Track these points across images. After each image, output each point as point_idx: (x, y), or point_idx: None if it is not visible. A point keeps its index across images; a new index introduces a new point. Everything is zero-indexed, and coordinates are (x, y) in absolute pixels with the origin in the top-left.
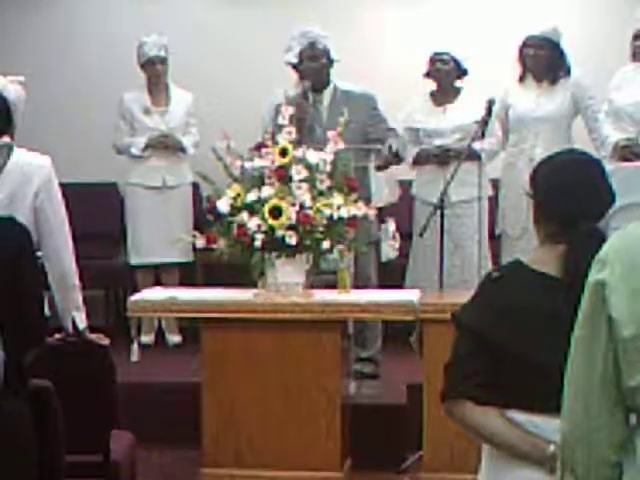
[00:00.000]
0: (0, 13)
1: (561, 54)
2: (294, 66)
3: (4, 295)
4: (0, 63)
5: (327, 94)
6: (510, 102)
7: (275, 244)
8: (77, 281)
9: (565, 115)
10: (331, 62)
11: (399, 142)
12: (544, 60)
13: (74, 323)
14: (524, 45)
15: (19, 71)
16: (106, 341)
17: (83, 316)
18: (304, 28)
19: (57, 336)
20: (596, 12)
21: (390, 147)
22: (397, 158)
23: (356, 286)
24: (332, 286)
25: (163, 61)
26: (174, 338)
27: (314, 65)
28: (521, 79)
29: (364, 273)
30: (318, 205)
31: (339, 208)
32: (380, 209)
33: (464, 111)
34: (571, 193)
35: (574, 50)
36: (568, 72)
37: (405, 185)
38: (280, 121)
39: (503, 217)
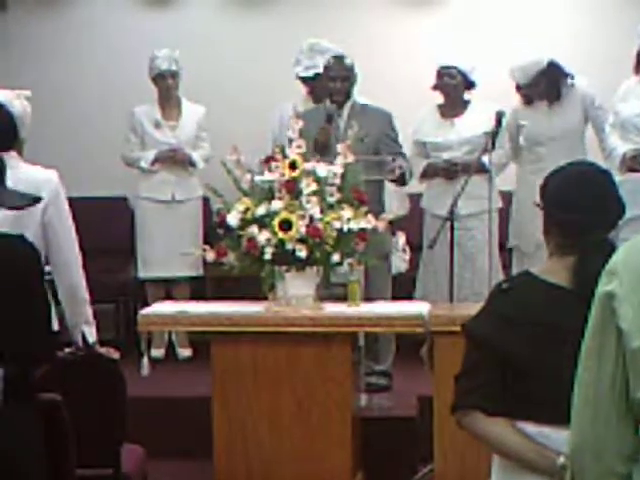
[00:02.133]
0: (9, 27)
1: (553, 68)
2: (303, 79)
3: (13, 313)
4: (9, 77)
5: (346, 108)
6: (523, 123)
7: (285, 257)
8: (87, 295)
9: (579, 130)
10: (355, 77)
11: (406, 167)
12: (537, 79)
13: (84, 337)
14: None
15: (30, 85)
16: (116, 355)
17: (93, 330)
18: (312, 41)
19: (67, 350)
20: (600, 24)
21: (400, 167)
22: (402, 180)
23: (368, 298)
24: (342, 299)
25: (174, 75)
26: (184, 352)
27: (342, 86)
28: (528, 102)
29: (377, 286)
30: (328, 218)
31: (349, 221)
32: (390, 222)
33: (472, 124)
34: (581, 204)
35: (577, 62)
36: (572, 80)
37: (414, 198)
38: (290, 134)
39: (517, 233)
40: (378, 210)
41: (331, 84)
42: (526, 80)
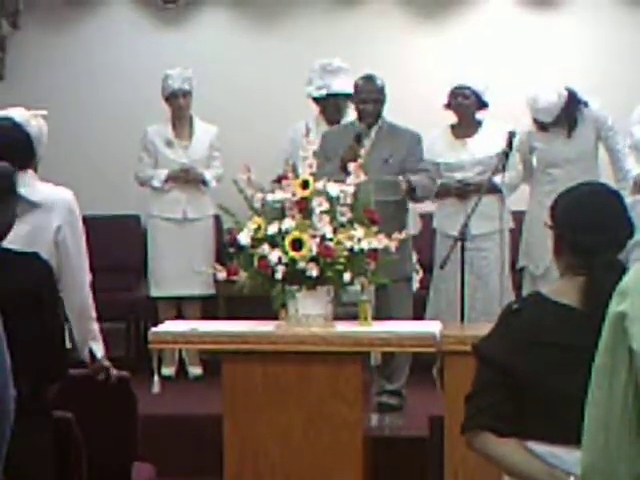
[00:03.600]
0: (22, 47)
1: (570, 98)
2: (315, 99)
3: (27, 330)
4: (22, 96)
5: (374, 128)
6: (537, 145)
7: (296, 276)
8: (94, 313)
9: (593, 151)
10: (385, 98)
11: (426, 184)
12: (559, 115)
13: (92, 352)
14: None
15: (42, 104)
16: (124, 373)
17: (100, 346)
18: (324, 61)
19: (86, 370)
20: (613, 47)
21: (409, 182)
22: (413, 195)
23: (389, 318)
24: (356, 317)
25: (187, 94)
26: (195, 370)
27: (373, 107)
28: (544, 130)
29: (398, 305)
30: (339, 237)
31: (360, 240)
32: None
33: (485, 144)
34: (591, 225)
35: (591, 84)
36: (586, 106)
37: (426, 218)
38: (302, 153)
39: (527, 253)
40: (399, 230)
41: (361, 106)
42: (550, 119)
